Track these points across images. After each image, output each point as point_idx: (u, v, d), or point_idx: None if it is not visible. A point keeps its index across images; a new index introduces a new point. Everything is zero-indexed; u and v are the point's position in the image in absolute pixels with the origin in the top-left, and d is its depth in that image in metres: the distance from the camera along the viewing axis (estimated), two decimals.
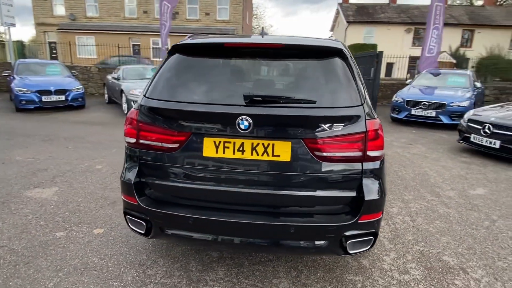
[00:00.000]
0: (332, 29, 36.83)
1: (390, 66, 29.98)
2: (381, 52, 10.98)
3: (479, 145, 5.48)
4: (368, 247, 1.95)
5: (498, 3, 34.89)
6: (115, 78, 9.57)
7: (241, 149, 1.87)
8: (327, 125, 1.81)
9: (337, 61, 1.97)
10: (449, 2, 32.21)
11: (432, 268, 2.45)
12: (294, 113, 1.81)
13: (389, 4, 31.69)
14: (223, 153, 1.89)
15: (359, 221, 1.85)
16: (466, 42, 29.32)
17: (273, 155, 1.85)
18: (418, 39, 29.13)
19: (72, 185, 3.85)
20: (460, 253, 2.66)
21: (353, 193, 1.89)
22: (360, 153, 1.85)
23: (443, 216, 3.32)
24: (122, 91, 8.56)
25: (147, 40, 24.18)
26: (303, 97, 1.85)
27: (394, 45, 28.41)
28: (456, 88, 8.73)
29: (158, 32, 14.00)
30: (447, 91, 8.56)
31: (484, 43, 26.67)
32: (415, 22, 28.58)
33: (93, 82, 13.45)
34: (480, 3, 34.97)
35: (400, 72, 28.94)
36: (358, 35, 28.41)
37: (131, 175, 2.04)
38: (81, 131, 6.78)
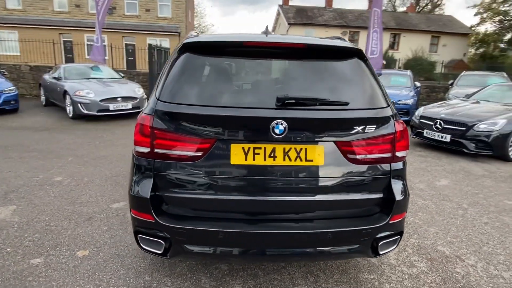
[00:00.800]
0: (273, 30, 37.66)
1: None
2: None
3: (432, 139, 6.00)
4: (395, 246, 1.98)
5: (416, 11, 38.84)
6: (55, 78, 8.59)
7: (272, 155, 1.76)
8: (361, 127, 1.79)
9: (358, 62, 1.96)
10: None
11: (433, 259, 2.59)
12: (329, 116, 1.76)
13: (326, 8, 33.39)
14: (253, 160, 1.76)
15: (390, 222, 1.86)
16: (393, 45, 32.12)
17: (306, 160, 1.77)
18: (352, 42, 31.13)
19: (32, 202, 3.34)
20: (450, 242, 2.86)
21: (382, 195, 1.90)
22: (389, 154, 1.86)
23: (423, 208, 3.55)
24: (65, 92, 7.72)
25: (80, 36, 22.20)
26: (337, 99, 1.80)
27: None
28: (400, 87, 9.47)
29: (93, 27, 12.79)
30: (392, 90, 9.24)
31: (409, 46, 29.44)
32: (350, 26, 30.51)
33: (24, 83, 11.93)
34: (401, 9, 38.67)
35: None
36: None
37: (145, 189, 1.80)
38: (24, 138, 5.95)
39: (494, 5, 29.02)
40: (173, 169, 1.79)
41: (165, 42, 22.25)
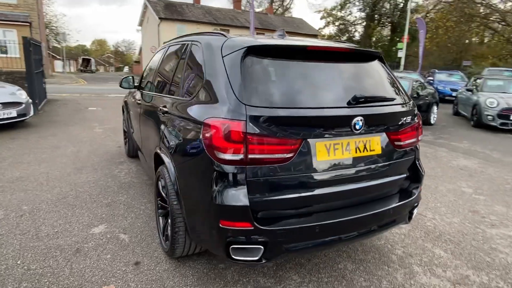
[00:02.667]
0: (140, 24, 35.48)
1: None
2: None
3: None
4: (416, 212, 2.49)
5: (274, 13, 43.20)
6: None
7: (348, 148, 1.98)
8: (404, 118, 2.18)
9: (381, 64, 2.36)
10: (242, 8, 37.14)
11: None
12: (386, 111, 2.09)
13: (194, 4, 33.48)
14: (334, 155, 1.94)
15: (419, 193, 2.35)
16: None
17: (370, 150, 2.06)
18: None
19: None
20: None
21: (412, 173, 2.36)
22: (416, 139, 2.32)
23: None
24: None
25: None
26: (388, 96, 2.14)
27: None
28: None
29: None
30: None
31: None
32: (220, 24, 31.54)
33: None
34: (257, 10, 42.27)
35: None
36: (171, 32, 28.67)
37: (241, 197, 1.75)
38: None
39: (334, 11, 34.98)
40: (266, 172, 1.79)
41: (11, 34, 18.25)
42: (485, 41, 29.13)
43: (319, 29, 37.05)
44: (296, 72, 2.00)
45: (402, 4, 33.18)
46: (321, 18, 37.89)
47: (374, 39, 35.22)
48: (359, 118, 1.93)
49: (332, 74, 2.10)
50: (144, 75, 3.99)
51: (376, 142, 2.08)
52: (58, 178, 4.04)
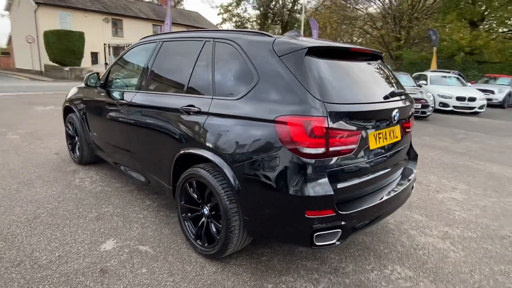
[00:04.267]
0: (8, 8, 29.71)
1: (94, 55, 28.95)
2: None
3: None
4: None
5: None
6: None
7: (385, 136, 2.31)
8: (412, 109, 2.63)
9: (383, 62, 2.77)
10: None
11: None
12: (407, 104, 2.49)
13: None
14: (379, 143, 2.25)
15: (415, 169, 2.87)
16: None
17: (395, 137, 2.44)
18: (118, 30, 29.82)
19: None
20: None
21: (410, 154, 2.86)
22: (411, 126, 2.82)
23: None
24: None
25: None
26: (405, 91, 2.54)
27: (96, 34, 27.61)
28: None
29: None
30: None
31: None
32: (111, 13, 28.87)
33: None
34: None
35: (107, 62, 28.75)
36: (53, 20, 25.00)
37: (326, 187, 1.91)
38: None
39: (230, 7, 35.73)
40: (339, 163, 1.99)
41: None
42: (358, 41, 33.99)
43: (217, 24, 37.35)
44: (346, 71, 2.23)
45: (290, 5, 36.10)
46: (218, 14, 38.29)
47: None
48: (397, 110, 2.28)
49: (366, 72, 2.39)
50: (114, 73, 3.60)
51: (398, 130, 2.47)
52: (7, 196, 3.34)
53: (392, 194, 2.35)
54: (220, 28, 37.03)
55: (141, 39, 3.42)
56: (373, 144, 2.18)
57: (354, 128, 2.01)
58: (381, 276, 2.36)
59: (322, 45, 2.16)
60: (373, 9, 28.02)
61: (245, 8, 35.70)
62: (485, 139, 7.66)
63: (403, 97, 2.53)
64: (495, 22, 21.85)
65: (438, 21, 23.65)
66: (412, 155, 2.88)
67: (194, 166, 2.43)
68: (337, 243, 2.03)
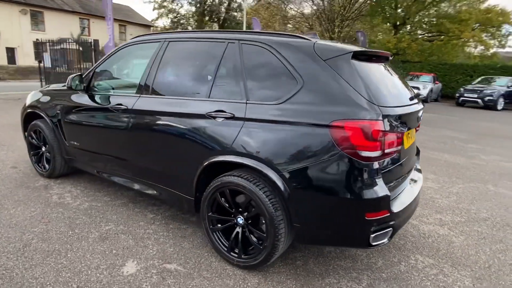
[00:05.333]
0: None
1: (11, 51, 25.63)
2: (97, 41, 10.31)
3: None
4: None
5: None
6: None
7: (410, 136, 2.45)
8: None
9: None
10: None
11: None
12: (422, 105, 2.65)
13: None
14: (408, 143, 2.38)
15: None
16: (84, 30, 30.66)
17: (413, 137, 2.60)
18: (38, 23, 26.73)
19: None
20: None
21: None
22: None
23: None
24: None
25: None
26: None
27: (11, 27, 24.51)
28: None
29: None
30: None
31: (101, 32, 29.21)
32: (30, 4, 25.72)
33: None
34: None
35: (26, 58, 25.61)
36: None
37: (383, 189, 1.97)
38: None
39: (166, 3, 34.29)
40: (387, 164, 2.06)
41: None
42: None
43: (152, 20, 35.63)
44: (380, 74, 2.30)
45: (227, 2, 35.94)
46: (153, 9, 36.58)
47: None
48: (421, 111, 2.43)
49: (390, 74, 2.49)
50: (100, 76, 3.23)
51: (413, 132, 2.64)
52: None
53: (417, 191, 2.50)
54: (153, 24, 35.44)
55: (134, 38, 3.12)
56: (406, 144, 2.30)
57: (399, 129, 2.10)
58: (409, 267, 2.51)
59: (362, 50, 2.20)
60: (307, 10, 29.24)
61: (181, 4, 34.48)
62: (428, 131, 8.56)
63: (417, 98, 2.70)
64: (414, 26, 24.47)
65: (366, 24, 25.67)
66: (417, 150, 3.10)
67: (226, 174, 2.30)
68: (387, 241, 2.10)
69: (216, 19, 37.59)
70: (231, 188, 2.28)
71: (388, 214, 2.00)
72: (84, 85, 3.21)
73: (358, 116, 1.91)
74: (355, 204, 1.95)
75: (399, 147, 2.12)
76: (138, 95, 2.81)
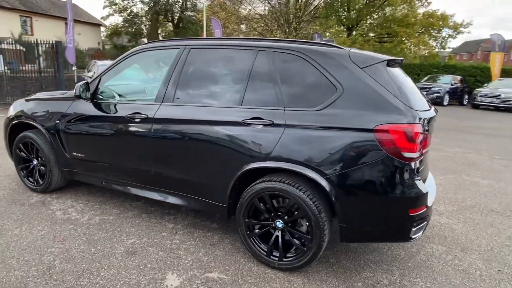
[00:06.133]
0: None
1: None
2: (59, 42, 9.70)
3: None
4: None
5: None
6: None
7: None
8: None
9: None
10: None
11: None
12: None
13: None
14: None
15: None
16: (26, 29, 28.29)
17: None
18: None
19: None
20: None
21: None
22: None
23: None
24: None
25: None
26: None
27: None
28: None
29: None
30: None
31: (46, 31, 27.23)
32: None
33: None
34: None
35: None
36: None
37: (423, 186, 2.16)
38: None
39: (117, 1, 32.79)
40: (421, 162, 2.25)
41: None
42: None
43: (102, 18, 33.85)
44: (405, 79, 2.47)
45: (180, 2, 35.26)
46: (103, 7, 34.80)
47: (163, 34, 35.87)
48: (435, 114, 2.66)
49: (409, 79, 2.67)
50: (108, 83, 3.08)
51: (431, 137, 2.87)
52: None
53: (435, 185, 2.74)
54: (102, 22, 33.69)
55: (145, 44, 3.02)
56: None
57: (428, 131, 2.29)
58: (428, 255, 2.75)
59: (392, 58, 2.36)
60: (259, 10, 29.49)
61: (134, 2, 33.10)
62: None
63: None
64: (366, 28, 25.95)
65: (321, 26, 26.69)
66: None
67: (264, 180, 2.35)
68: (421, 234, 2.30)
69: (170, 19, 36.76)
70: (271, 193, 2.33)
71: (425, 209, 2.18)
72: (90, 93, 3.04)
73: (399, 120, 2.07)
74: (400, 202, 2.11)
75: (429, 147, 2.32)
76: (158, 103, 2.74)
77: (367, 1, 24.44)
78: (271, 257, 2.43)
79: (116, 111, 2.94)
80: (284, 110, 2.32)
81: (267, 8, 28.68)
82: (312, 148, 2.22)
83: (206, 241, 2.79)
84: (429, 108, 2.43)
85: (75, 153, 3.24)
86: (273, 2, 27.80)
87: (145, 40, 33.82)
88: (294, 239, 2.36)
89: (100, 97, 3.10)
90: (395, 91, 2.14)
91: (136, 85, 3.47)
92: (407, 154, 2.07)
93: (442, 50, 26.05)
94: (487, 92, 15.47)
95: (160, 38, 35.41)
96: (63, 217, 3.10)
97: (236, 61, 2.60)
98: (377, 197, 2.13)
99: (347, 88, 2.19)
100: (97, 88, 3.07)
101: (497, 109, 15.10)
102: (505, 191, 4.36)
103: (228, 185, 2.49)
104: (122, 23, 34.09)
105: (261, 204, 2.40)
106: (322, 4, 25.69)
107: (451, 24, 23.23)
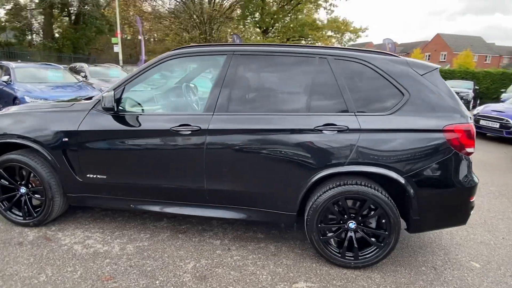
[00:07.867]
0: None
1: None
2: None
3: None
4: None
5: None
6: None
7: None
8: None
9: None
10: None
11: None
12: None
13: None
14: None
15: None
16: None
17: None
18: None
19: None
20: None
21: None
22: None
23: None
24: None
25: None
26: None
27: None
28: None
29: None
30: None
31: None
32: None
33: None
34: None
35: None
36: None
37: (475, 176, 2.50)
38: None
39: None
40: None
41: None
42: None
43: None
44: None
45: None
46: None
47: (59, 29, 31.71)
48: None
49: None
50: (135, 94, 2.72)
51: None
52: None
53: None
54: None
55: (175, 50, 2.74)
56: None
57: None
58: (463, 239, 3.17)
59: (438, 66, 2.67)
60: (162, 9, 28.40)
61: None
62: None
63: None
64: (280, 31, 27.46)
65: (238, 28, 27.25)
66: None
67: (341, 184, 2.42)
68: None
69: (67, 13, 32.73)
70: (348, 196, 2.42)
71: (475, 196, 2.56)
72: (114, 104, 2.63)
73: (460, 120, 2.38)
74: (465, 191, 2.42)
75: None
76: (210, 113, 2.55)
77: (280, 6, 25.90)
78: (347, 257, 2.51)
79: (154, 124, 2.62)
80: (355, 115, 2.42)
81: (172, 5, 27.71)
82: (388, 150, 2.37)
83: (266, 253, 2.72)
84: None
85: (91, 175, 2.75)
86: None
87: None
88: (371, 237, 2.49)
89: (127, 108, 2.72)
90: (450, 94, 2.45)
91: (181, 95, 3.08)
92: (468, 149, 2.39)
93: None
94: None
95: (57, 35, 31.32)
96: (88, 251, 2.63)
97: (295, 68, 2.59)
98: (449, 189, 2.41)
99: (412, 94, 2.42)
100: (120, 99, 2.68)
101: None
102: None
103: (300, 193, 2.49)
104: (5, 17, 29.00)
105: (336, 207, 2.47)
106: (238, 6, 26.26)
107: (352, 28, 26.33)
